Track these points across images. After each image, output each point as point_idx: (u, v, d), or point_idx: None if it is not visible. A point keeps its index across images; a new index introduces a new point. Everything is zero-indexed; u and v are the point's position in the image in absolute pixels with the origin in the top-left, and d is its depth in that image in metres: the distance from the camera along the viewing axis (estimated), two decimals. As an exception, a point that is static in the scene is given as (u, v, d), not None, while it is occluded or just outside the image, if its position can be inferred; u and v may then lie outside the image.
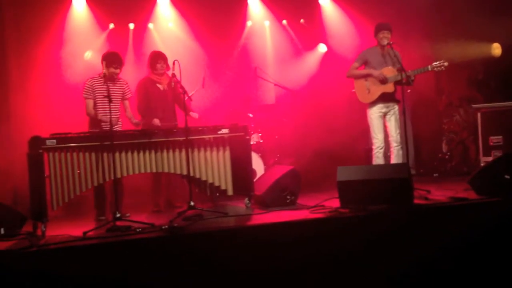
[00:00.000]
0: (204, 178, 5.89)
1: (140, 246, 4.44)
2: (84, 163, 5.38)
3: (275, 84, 8.31)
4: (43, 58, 7.62)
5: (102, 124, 6.02)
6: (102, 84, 6.09)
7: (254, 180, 6.48)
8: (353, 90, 6.65)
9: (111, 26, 8.26)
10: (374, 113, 6.43)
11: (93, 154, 5.42)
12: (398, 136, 6.37)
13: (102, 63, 6.08)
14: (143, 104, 6.55)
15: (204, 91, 7.30)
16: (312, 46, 9.55)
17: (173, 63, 5.78)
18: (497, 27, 8.02)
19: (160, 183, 6.61)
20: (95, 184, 5.47)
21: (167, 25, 8.72)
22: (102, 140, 5.42)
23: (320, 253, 4.49)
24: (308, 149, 8.73)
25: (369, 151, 6.93)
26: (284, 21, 9.42)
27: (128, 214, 5.80)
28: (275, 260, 4.39)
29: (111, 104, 5.47)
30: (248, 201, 6.06)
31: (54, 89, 7.59)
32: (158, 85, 6.60)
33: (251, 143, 6.81)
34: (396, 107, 6.45)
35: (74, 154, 5.35)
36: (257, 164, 7.24)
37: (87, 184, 5.40)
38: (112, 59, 6.03)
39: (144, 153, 5.61)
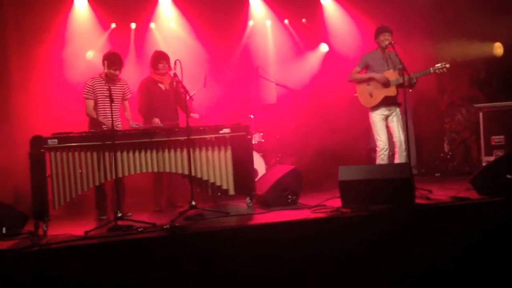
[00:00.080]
0: (205, 178, 5.90)
1: (141, 246, 4.44)
2: (85, 163, 5.38)
3: (276, 84, 8.30)
4: (45, 58, 7.62)
5: (103, 125, 6.03)
6: (103, 84, 6.10)
7: (256, 179, 6.47)
8: (356, 95, 6.65)
9: (113, 25, 8.27)
10: (377, 116, 6.42)
11: (94, 154, 5.42)
12: (402, 137, 6.33)
13: (103, 63, 6.09)
14: (144, 104, 6.55)
15: (206, 90, 7.30)
16: (314, 46, 9.54)
17: (175, 63, 5.78)
18: (499, 26, 8.01)
19: (161, 183, 6.61)
20: (97, 183, 5.47)
21: (168, 25, 8.72)
22: (103, 139, 5.43)
23: (322, 253, 4.49)
24: (310, 148, 8.72)
25: (370, 151, 6.94)
26: (286, 21, 9.42)
27: (129, 214, 5.81)
28: (277, 260, 4.38)
29: (114, 104, 5.47)
30: (249, 201, 6.06)
31: (55, 88, 7.59)
32: (160, 85, 6.60)
33: (253, 142, 6.81)
34: (398, 109, 6.44)
35: (76, 154, 5.35)
36: (259, 164, 7.23)
37: (89, 184, 5.40)
38: (112, 60, 6.03)
39: (146, 152, 5.61)
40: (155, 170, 5.70)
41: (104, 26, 8.22)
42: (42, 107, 7.43)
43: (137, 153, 5.58)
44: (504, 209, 5.09)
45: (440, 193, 5.94)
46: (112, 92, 5.52)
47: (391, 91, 6.34)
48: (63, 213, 6.34)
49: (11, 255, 4.19)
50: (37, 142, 5.19)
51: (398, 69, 6.26)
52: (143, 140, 5.59)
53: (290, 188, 6.02)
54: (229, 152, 6.00)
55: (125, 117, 6.37)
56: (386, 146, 6.38)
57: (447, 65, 6.09)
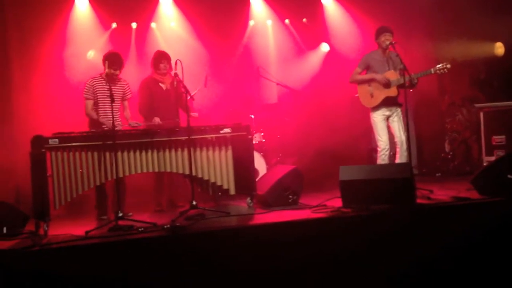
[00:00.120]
0: (206, 178, 5.90)
1: (142, 246, 4.44)
2: (86, 163, 5.38)
3: (277, 84, 8.30)
4: (46, 57, 7.63)
5: (103, 125, 6.03)
6: (103, 84, 6.11)
7: (256, 179, 6.47)
8: (356, 95, 6.64)
9: (114, 25, 8.27)
10: (378, 116, 6.42)
11: (95, 154, 5.42)
12: (403, 137, 6.32)
13: (103, 63, 6.09)
14: (145, 104, 6.55)
15: (207, 90, 7.30)
16: (315, 46, 9.54)
17: (175, 63, 5.78)
18: (500, 26, 8.00)
19: (162, 183, 6.61)
20: (98, 183, 5.47)
21: (169, 25, 8.73)
22: (104, 139, 5.43)
23: (322, 253, 4.48)
24: (311, 148, 8.72)
25: (371, 151, 6.94)
26: (287, 21, 9.42)
27: (130, 214, 5.81)
28: (277, 260, 4.38)
29: (113, 104, 5.47)
30: (250, 201, 6.06)
31: (56, 88, 7.60)
32: (161, 85, 6.60)
33: (254, 142, 6.81)
34: (399, 109, 6.43)
35: (77, 154, 5.36)
36: (259, 164, 7.23)
37: (90, 183, 5.41)
38: (112, 60, 6.04)
39: (147, 152, 5.61)
40: (156, 170, 5.70)
41: (105, 26, 8.22)
42: (43, 107, 7.44)
43: (138, 153, 5.58)
44: (505, 209, 5.08)
45: (441, 193, 5.93)
46: (113, 92, 5.52)
47: (392, 92, 6.34)
48: (64, 213, 6.35)
49: (12, 255, 4.19)
50: (38, 142, 5.19)
51: (399, 70, 6.25)
52: (144, 140, 5.59)
53: (291, 188, 6.02)
54: (229, 152, 6.00)
55: (124, 117, 6.37)
56: (387, 146, 6.38)
57: (448, 66, 6.08)
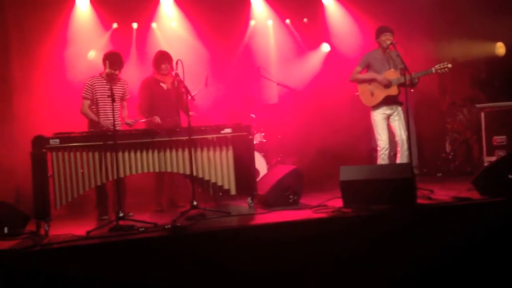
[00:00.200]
0: (207, 178, 5.90)
1: (143, 246, 4.44)
2: (87, 163, 5.38)
3: (278, 84, 8.30)
4: (46, 57, 7.63)
5: (99, 125, 6.04)
6: (103, 83, 6.11)
7: (257, 179, 6.47)
8: (357, 94, 6.64)
9: (115, 25, 8.27)
10: (378, 115, 6.42)
11: (96, 154, 5.42)
12: (404, 136, 6.31)
13: (103, 62, 6.09)
14: (145, 103, 6.55)
15: (207, 90, 7.30)
16: (315, 46, 9.53)
17: (176, 63, 5.79)
18: (500, 26, 7.99)
19: (163, 183, 6.61)
20: (98, 183, 5.47)
21: (170, 25, 8.73)
22: (105, 139, 5.43)
23: (323, 253, 4.48)
24: (311, 148, 8.73)
25: (371, 151, 6.93)
26: (287, 21, 9.42)
27: (131, 214, 5.82)
28: (278, 260, 4.38)
29: (113, 104, 5.48)
30: (251, 201, 6.06)
31: (57, 88, 7.60)
32: (162, 84, 6.60)
33: (254, 142, 6.81)
34: (400, 108, 6.43)
35: (78, 154, 5.36)
36: (260, 164, 7.24)
37: (90, 184, 5.41)
38: (112, 60, 6.04)
39: (147, 152, 5.62)
40: (157, 170, 5.70)
41: (106, 26, 8.23)
42: (44, 107, 7.44)
43: (138, 153, 5.58)
44: (506, 209, 5.08)
45: (442, 193, 5.93)
46: (114, 92, 5.52)
47: (393, 91, 6.34)
48: (65, 213, 6.35)
49: (13, 255, 4.19)
50: (39, 142, 5.19)
51: (399, 69, 6.26)
52: (144, 140, 5.60)
53: (291, 188, 6.02)
54: (230, 152, 6.00)
55: (122, 116, 6.37)
56: (387, 146, 6.38)
57: (449, 65, 6.07)
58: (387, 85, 6.30)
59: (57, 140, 5.25)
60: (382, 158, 6.37)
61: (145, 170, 5.63)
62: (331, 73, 9.08)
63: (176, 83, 5.96)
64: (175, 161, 5.70)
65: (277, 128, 8.42)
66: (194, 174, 5.74)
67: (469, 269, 4.67)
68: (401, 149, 6.33)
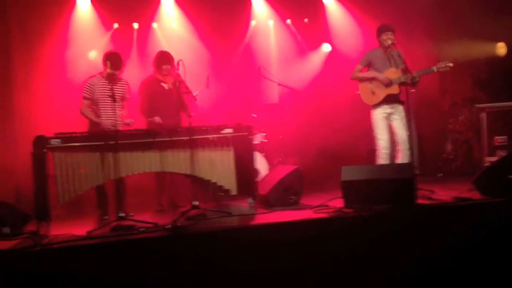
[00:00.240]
0: (207, 178, 5.88)
1: (143, 246, 4.44)
2: (88, 163, 5.37)
3: (278, 84, 8.29)
4: (47, 58, 7.65)
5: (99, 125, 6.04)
6: (103, 83, 6.09)
7: (258, 179, 6.47)
8: (358, 92, 6.64)
9: (115, 25, 8.28)
10: (379, 114, 6.41)
11: (97, 154, 5.41)
12: (405, 136, 6.29)
13: (104, 62, 6.09)
14: (146, 103, 6.55)
15: (208, 90, 7.30)
16: (316, 46, 9.54)
17: (177, 63, 5.78)
18: (501, 26, 7.99)
19: (164, 183, 6.61)
20: (99, 183, 5.47)
21: (171, 25, 8.74)
22: (106, 139, 5.42)
23: (324, 253, 4.48)
24: (312, 148, 8.73)
25: (372, 152, 6.92)
26: (288, 21, 9.42)
27: (131, 214, 5.81)
28: (278, 260, 4.38)
29: (114, 103, 5.48)
30: (251, 201, 6.06)
31: (58, 88, 7.61)
32: (163, 84, 6.60)
33: (255, 142, 6.81)
34: (401, 107, 6.42)
35: (79, 154, 5.35)
36: (261, 164, 7.24)
37: (91, 183, 5.40)
38: (113, 60, 6.04)
39: (148, 152, 5.60)
40: (158, 170, 5.70)
41: (107, 26, 8.24)
42: (45, 107, 7.45)
43: (139, 153, 5.57)
44: (507, 209, 5.07)
45: (443, 194, 5.92)
46: (115, 92, 5.52)
47: (394, 89, 6.33)
48: (65, 213, 6.36)
49: (13, 255, 4.19)
50: (40, 142, 5.19)
51: (401, 68, 6.25)
52: (145, 140, 5.59)
53: (292, 188, 6.02)
54: (231, 152, 5.99)
55: (120, 116, 6.36)
56: (387, 145, 6.36)
57: (450, 64, 6.05)
58: (388, 84, 6.30)
59: (58, 140, 5.24)
60: (382, 157, 6.36)
61: (146, 170, 5.62)
62: (332, 73, 9.08)
63: (177, 83, 5.95)
64: (176, 161, 5.69)
65: (278, 128, 8.42)
66: (195, 174, 5.73)
67: (470, 269, 4.66)
68: (403, 149, 6.31)
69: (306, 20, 9.44)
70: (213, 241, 4.54)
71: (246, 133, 6.06)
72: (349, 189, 5.36)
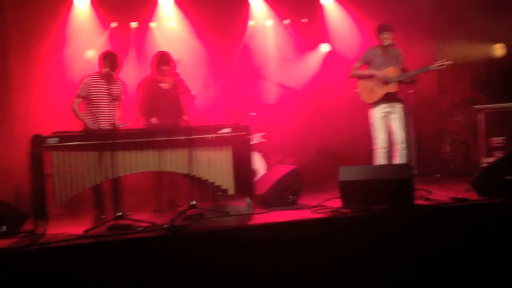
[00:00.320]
0: (205, 177, 5.87)
1: (141, 245, 4.43)
2: (86, 162, 5.36)
3: (277, 84, 8.29)
4: (45, 57, 7.64)
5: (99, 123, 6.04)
6: (99, 82, 6.07)
7: (256, 179, 6.47)
8: (356, 90, 6.64)
9: (114, 25, 8.27)
10: (377, 113, 6.42)
11: (95, 153, 5.40)
12: (402, 135, 6.32)
13: (100, 62, 6.07)
14: (145, 104, 6.54)
15: (206, 90, 7.31)
16: (314, 46, 9.55)
17: (176, 62, 5.78)
18: (500, 27, 8.00)
19: (161, 182, 6.60)
20: (97, 182, 5.45)
21: (169, 25, 8.74)
22: (104, 138, 5.41)
23: (322, 253, 4.48)
24: (310, 148, 8.74)
25: (371, 152, 6.93)
26: (287, 21, 9.43)
27: (129, 213, 5.80)
28: (276, 260, 4.38)
29: (110, 103, 5.47)
30: (249, 201, 6.06)
31: (56, 88, 7.60)
32: (162, 84, 6.58)
33: (253, 142, 6.80)
34: (400, 106, 6.43)
35: (76, 153, 5.33)
36: (259, 164, 7.23)
37: (89, 182, 5.38)
38: (109, 60, 6.02)
39: (146, 152, 5.59)
40: (155, 169, 5.68)
41: (105, 25, 8.23)
42: (43, 106, 7.44)
43: (137, 152, 5.56)
44: (504, 210, 5.08)
45: (440, 194, 5.93)
46: (111, 91, 5.51)
47: (392, 88, 6.34)
48: (63, 212, 6.34)
49: (10, 254, 4.18)
50: (38, 140, 5.17)
51: (399, 66, 6.27)
52: (143, 139, 5.58)
53: (290, 188, 6.02)
54: (229, 152, 5.99)
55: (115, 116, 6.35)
56: (385, 144, 6.38)
57: (448, 62, 6.04)
58: (386, 81, 6.30)
59: (56, 139, 5.22)
60: (380, 156, 6.37)
61: (144, 170, 5.61)
62: (330, 73, 9.09)
63: (175, 83, 5.94)
64: (174, 161, 5.68)
65: (276, 128, 8.42)
66: (193, 173, 5.72)
67: (468, 269, 4.67)
68: (400, 148, 6.33)
69: (304, 20, 9.44)
70: (210, 241, 4.54)
71: (244, 133, 6.05)
72: (347, 189, 5.36)
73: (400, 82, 6.25)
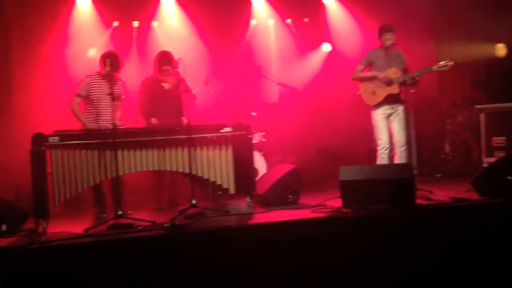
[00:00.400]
0: (206, 177, 5.88)
1: (141, 244, 4.43)
2: (86, 161, 5.37)
3: (278, 83, 8.29)
4: (47, 56, 7.63)
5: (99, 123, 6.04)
6: (100, 82, 6.08)
7: (256, 179, 6.47)
8: (358, 93, 6.65)
9: (115, 24, 8.27)
10: (379, 114, 6.42)
11: (95, 152, 5.41)
12: (403, 137, 6.33)
13: (102, 62, 6.07)
14: (146, 103, 6.54)
15: (207, 89, 7.30)
16: (316, 45, 9.54)
17: (178, 61, 5.78)
18: (501, 27, 7.99)
19: (162, 182, 6.61)
20: (98, 181, 5.45)
21: (171, 23, 8.73)
22: (104, 137, 5.41)
23: (322, 253, 4.48)
24: (311, 148, 8.73)
25: (371, 152, 6.93)
26: (288, 20, 9.42)
27: (129, 212, 5.81)
28: (277, 260, 4.38)
29: (110, 103, 5.47)
30: (250, 200, 6.06)
31: (57, 86, 7.59)
32: (163, 84, 6.58)
33: (254, 141, 6.81)
34: (401, 108, 6.43)
35: (77, 152, 5.34)
36: (260, 163, 7.24)
37: (89, 181, 5.38)
38: (110, 60, 6.02)
39: (147, 151, 5.60)
40: (156, 168, 5.69)
41: (107, 24, 8.22)
42: (44, 105, 7.44)
43: (138, 152, 5.57)
44: (505, 210, 5.08)
45: (441, 194, 5.93)
46: (108, 92, 5.51)
47: (394, 89, 6.34)
48: (63, 211, 6.33)
49: (10, 252, 4.19)
50: (38, 139, 5.18)
51: (401, 68, 6.27)
52: (144, 138, 5.58)
53: (290, 187, 6.02)
54: (230, 151, 6.00)
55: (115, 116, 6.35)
56: (387, 145, 6.38)
57: (450, 63, 6.05)
58: (388, 82, 6.31)
59: (57, 138, 5.22)
60: (382, 157, 6.38)
61: (144, 169, 5.61)
62: (332, 73, 9.08)
63: (176, 82, 5.94)
64: (175, 160, 5.69)
65: (277, 127, 8.42)
66: (194, 172, 5.73)
67: (468, 269, 4.67)
68: (399, 150, 6.34)
69: (306, 19, 9.44)
70: (211, 240, 4.54)
71: (245, 132, 6.06)
72: (347, 189, 5.37)
73: (402, 83, 6.25)
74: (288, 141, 8.48)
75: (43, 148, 5.17)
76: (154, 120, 6.41)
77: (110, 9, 8.19)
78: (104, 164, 5.41)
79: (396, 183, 5.27)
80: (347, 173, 5.45)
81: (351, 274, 4.50)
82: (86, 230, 4.83)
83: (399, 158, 6.32)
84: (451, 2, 8.44)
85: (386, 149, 6.37)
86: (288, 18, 9.41)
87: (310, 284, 4.43)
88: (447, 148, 8.90)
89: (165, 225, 4.84)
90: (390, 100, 6.38)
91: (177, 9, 8.71)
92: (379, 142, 6.43)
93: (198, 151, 5.84)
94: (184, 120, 6.57)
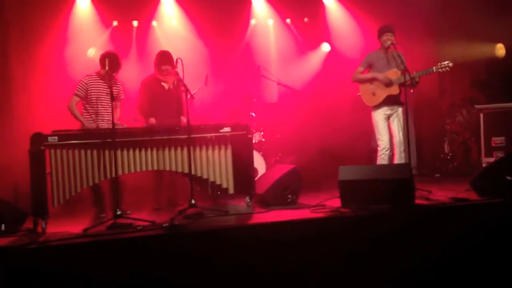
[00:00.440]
0: (205, 177, 5.89)
1: (140, 244, 4.43)
2: (85, 160, 5.36)
3: (278, 83, 8.29)
4: (46, 56, 7.62)
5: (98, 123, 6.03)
6: (99, 83, 6.07)
7: (256, 179, 6.47)
8: (359, 94, 6.65)
9: (115, 23, 8.27)
10: (379, 115, 6.43)
11: (94, 152, 5.40)
12: (401, 138, 6.34)
13: (102, 62, 6.06)
14: (145, 103, 6.53)
15: (207, 89, 7.30)
16: (316, 45, 9.54)
17: (176, 61, 5.78)
18: (501, 27, 7.99)
19: (161, 181, 6.60)
20: (96, 181, 5.44)
21: (170, 23, 8.73)
22: (104, 137, 5.41)
23: (321, 253, 4.48)
24: (310, 148, 8.73)
25: (371, 152, 6.94)
26: (288, 20, 9.43)
27: (128, 212, 5.81)
28: (276, 259, 4.38)
29: (109, 103, 5.47)
30: (249, 200, 6.06)
31: (56, 86, 7.59)
32: (163, 84, 6.58)
33: (253, 141, 6.80)
34: (400, 109, 6.44)
35: (76, 151, 5.33)
36: (259, 163, 7.23)
37: (88, 181, 5.38)
38: (111, 60, 6.00)
39: (146, 151, 5.60)
40: (155, 168, 5.69)
41: (106, 23, 8.22)
42: (43, 105, 7.43)
43: (137, 151, 5.56)
44: (504, 210, 5.08)
45: (440, 194, 5.93)
46: (107, 92, 5.51)
47: (394, 90, 6.35)
48: (62, 211, 6.32)
49: (9, 252, 4.19)
50: (37, 139, 5.17)
51: (401, 69, 6.26)
52: (143, 138, 5.58)
53: (290, 187, 6.02)
54: (229, 151, 6.00)
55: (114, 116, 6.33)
56: (388, 146, 6.38)
57: (450, 64, 6.06)
58: (388, 83, 6.31)
59: (56, 138, 5.21)
60: (382, 158, 6.38)
61: (144, 169, 5.61)
62: (331, 73, 9.09)
63: (175, 81, 5.94)
64: (174, 160, 5.69)
65: (276, 127, 8.42)
66: (193, 172, 5.73)
67: (467, 269, 4.67)
68: (397, 151, 6.35)
69: (306, 19, 9.44)
70: (210, 240, 4.54)
71: (244, 132, 6.06)
72: (347, 189, 5.36)
73: (402, 84, 6.25)
74: (287, 141, 8.48)
75: (42, 148, 5.16)
76: (153, 120, 6.40)
77: (110, 9, 8.19)
78: (103, 164, 5.41)
79: (396, 183, 5.27)
80: (346, 173, 5.45)
81: (350, 274, 4.50)
82: (85, 230, 4.83)
83: (399, 159, 6.32)
84: (451, 2, 8.44)
85: (387, 150, 6.38)
86: (287, 18, 9.41)
87: (310, 284, 4.43)
88: (446, 148, 8.90)
89: (164, 225, 4.84)
90: (390, 101, 6.38)
91: (176, 9, 8.71)
92: (379, 143, 6.44)
93: (198, 151, 5.84)
94: (183, 120, 6.57)
